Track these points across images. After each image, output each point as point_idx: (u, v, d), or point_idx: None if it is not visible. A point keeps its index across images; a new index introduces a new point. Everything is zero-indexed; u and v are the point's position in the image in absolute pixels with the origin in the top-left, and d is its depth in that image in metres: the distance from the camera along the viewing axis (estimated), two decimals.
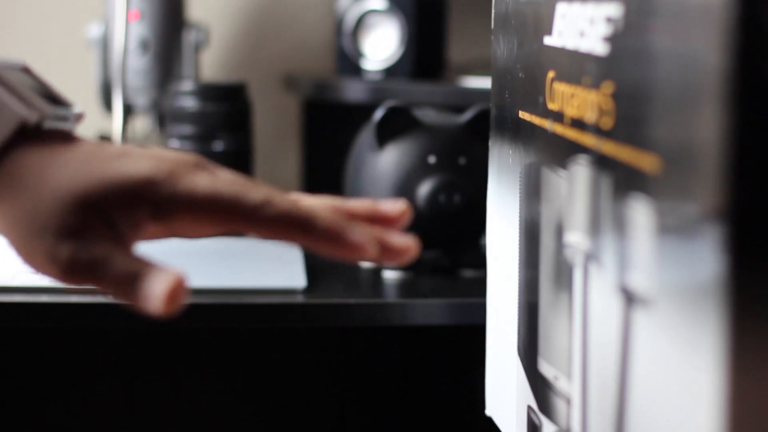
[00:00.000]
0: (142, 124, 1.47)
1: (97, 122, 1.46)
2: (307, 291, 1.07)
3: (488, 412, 0.87)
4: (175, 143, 1.25)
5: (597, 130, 0.62)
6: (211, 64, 1.56)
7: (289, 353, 1.42)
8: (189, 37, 1.41)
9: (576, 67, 0.65)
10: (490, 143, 0.85)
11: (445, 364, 1.43)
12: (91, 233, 0.59)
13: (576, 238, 0.65)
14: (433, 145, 1.14)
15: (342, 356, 1.43)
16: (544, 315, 0.72)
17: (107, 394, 1.40)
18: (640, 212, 0.56)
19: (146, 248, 0.62)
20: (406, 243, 0.61)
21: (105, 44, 1.39)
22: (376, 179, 1.14)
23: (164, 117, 1.32)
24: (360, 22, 1.38)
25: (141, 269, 0.58)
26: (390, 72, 1.38)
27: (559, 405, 0.70)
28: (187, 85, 1.27)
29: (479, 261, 1.08)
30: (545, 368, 0.72)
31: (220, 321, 1.09)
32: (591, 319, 0.64)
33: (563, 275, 0.68)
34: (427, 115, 1.16)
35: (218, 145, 1.25)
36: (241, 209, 0.60)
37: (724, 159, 0.48)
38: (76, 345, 1.39)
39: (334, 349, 1.42)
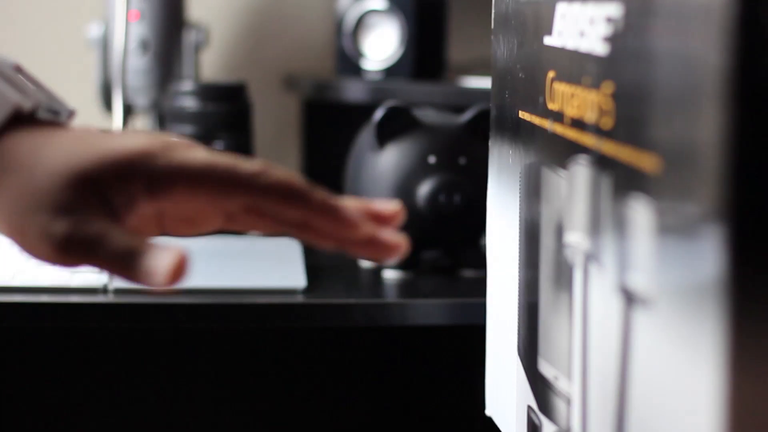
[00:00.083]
0: (142, 124, 1.47)
1: (97, 122, 1.46)
2: (307, 291, 1.07)
3: (488, 412, 0.87)
4: None
5: (597, 130, 0.62)
6: (211, 64, 1.56)
7: (289, 353, 1.42)
8: (189, 37, 1.41)
9: (576, 67, 0.65)
10: (490, 143, 0.85)
11: (445, 364, 1.43)
12: (86, 210, 0.58)
13: (576, 238, 0.65)
14: (433, 145, 1.14)
15: (342, 356, 1.43)
16: (544, 315, 0.72)
17: (107, 394, 1.40)
18: (640, 212, 0.56)
19: None
20: (397, 239, 0.61)
21: (105, 44, 1.39)
22: (376, 179, 1.14)
23: (164, 117, 1.32)
24: (360, 22, 1.38)
25: (140, 246, 0.57)
26: (390, 72, 1.38)
27: (559, 405, 0.70)
28: (187, 85, 1.27)
29: (479, 261, 1.08)
30: (545, 368, 0.72)
31: (220, 321, 1.09)
32: (591, 319, 0.64)
33: (563, 275, 0.68)
34: (427, 115, 1.16)
35: (218, 145, 1.25)
36: (237, 178, 0.59)
37: (724, 159, 0.48)
38: (76, 345, 1.39)
39: (334, 349, 1.42)
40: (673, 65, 0.53)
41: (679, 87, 0.52)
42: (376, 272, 1.16)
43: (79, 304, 1.04)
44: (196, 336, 1.40)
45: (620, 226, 0.59)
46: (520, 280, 0.77)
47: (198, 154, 0.60)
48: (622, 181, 0.58)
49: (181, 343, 1.41)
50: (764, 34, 0.48)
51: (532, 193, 0.74)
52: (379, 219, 0.63)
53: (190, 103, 1.26)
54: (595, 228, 0.62)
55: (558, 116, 0.68)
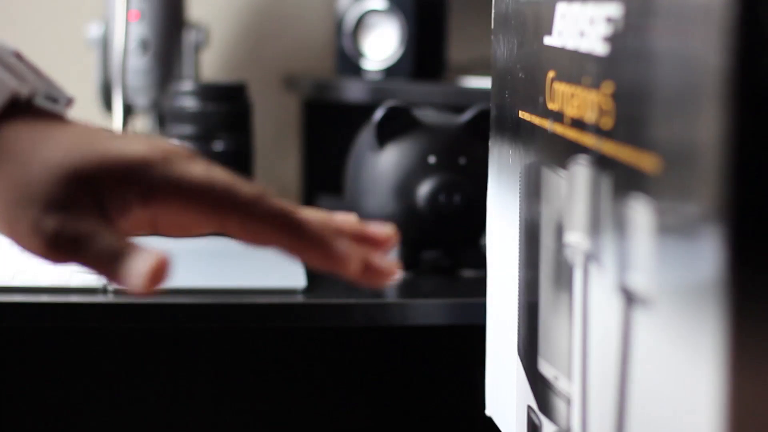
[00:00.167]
0: (142, 124, 1.47)
1: (97, 122, 1.46)
2: (307, 291, 1.07)
3: (488, 412, 0.87)
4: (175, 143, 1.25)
5: (597, 130, 0.62)
6: (211, 64, 1.56)
7: (289, 353, 1.42)
8: (189, 37, 1.41)
9: (576, 67, 0.65)
10: (490, 143, 0.85)
11: (445, 364, 1.43)
12: (78, 208, 0.58)
13: (576, 238, 0.65)
14: (433, 145, 1.14)
15: (342, 356, 1.43)
16: (544, 315, 0.72)
17: (107, 394, 1.40)
18: (640, 212, 0.56)
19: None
20: (389, 265, 0.61)
21: (105, 44, 1.39)
22: (376, 179, 1.14)
23: (164, 117, 1.32)
24: (360, 22, 1.38)
25: (125, 248, 0.57)
26: (390, 72, 1.38)
27: (559, 405, 0.70)
28: (187, 85, 1.27)
29: (479, 261, 1.08)
30: (545, 368, 0.72)
31: (220, 321, 1.09)
32: (591, 319, 0.64)
33: (563, 275, 0.68)
34: (427, 115, 1.16)
35: (218, 145, 1.25)
36: (234, 201, 0.59)
37: (724, 159, 0.48)
38: (76, 345, 1.39)
39: (334, 349, 1.42)
40: (673, 65, 0.53)
41: (679, 87, 0.52)
42: None
43: (79, 304, 1.04)
44: (196, 336, 1.40)
45: (620, 226, 0.59)
46: (520, 280, 0.77)
47: (197, 170, 0.60)
48: (622, 181, 0.58)
49: (181, 343, 1.41)
50: (764, 34, 0.48)
51: (532, 193, 0.74)
52: (372, 241, 0.63)
53: (190, 103, 1.26)
54: (595, 228, 0.62)
55: (558, 116, 0.68)
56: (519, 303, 0.78)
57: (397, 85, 1.37)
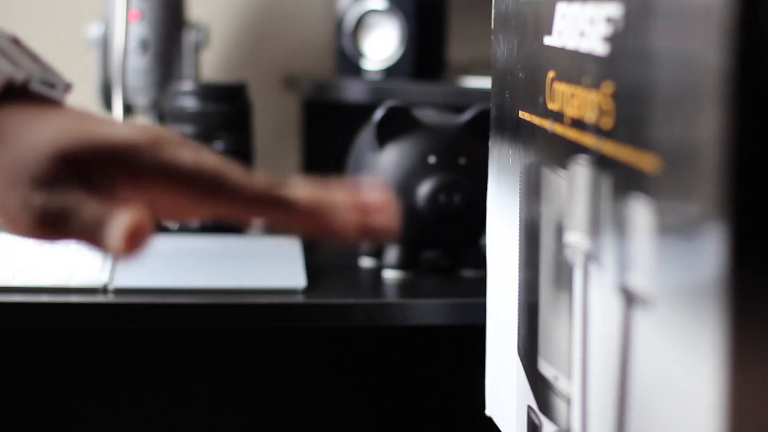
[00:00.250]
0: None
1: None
2: (307, 291, 1.07)
3: (488, 412, 0.87)
4: None
5: (597, 130, 0.62)
6: (211, 64, 1.56)
7: (289, 353, 1.42)
8: (189, 37, 1.41)
9: (576, 67, 0.65)
10: (490, 143, 0.85)
11: (445, 364, 1.43)
12: (65, 185, 0.58)
13: (576, 238, 0.65)
14: (433, 145, 1.14)
15: (342, 356, 1.43)
16: (544, 315, 0.72)
17: (107, 394, 1.40)
18: (640, 212, 0.56)
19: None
20: (387, 225, 0.61)
21: (105, 44, 1.39)
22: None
23: (164, 117, 1.32)
24: (360, 22, 1.38)
25: (106, 214, 0.57)
26: (390, 72, 1.38)
27: (559, 405, 0.70)
28: (187, 85, 1.27)
29: (479, 261, 1.08)
30: (545, 368, 0.72)
31: (220, 321, 1.09)
32: (591, 319, 0.64)
33: (563, 275, 0.68)
34: (427, 115, 1.16)
35: (218, 145, 1.25)
36: (221, 185, 0.59)
37: (724, 159, 0.48)
38: (76, 345, 1.39)
39: (334, 349, 1.42)
40: (673, 65, 0.53)
41: (679, 87, 0.52)
42: (376, 272, 1.16)
43: (79, 304, 1.04)
44: (196, 336, 1.40)
45: (620, 226, 0.59)
46: (520, 280, 0.77)
47: (186, 155, 0.60)
48: (622, 181, 0.58)
49: (181, 343, 1.41)
50: (764, 34, 0.48)
51: (532, 193, 0.74)
52: (370, 208, 0.63)
53: (190, 103, 1.26)
54: (595, 228, 0.62)
55: (558, 116, 0.68)
56: (519, 303, 0.78)
57: (397, 85, 1.37)
